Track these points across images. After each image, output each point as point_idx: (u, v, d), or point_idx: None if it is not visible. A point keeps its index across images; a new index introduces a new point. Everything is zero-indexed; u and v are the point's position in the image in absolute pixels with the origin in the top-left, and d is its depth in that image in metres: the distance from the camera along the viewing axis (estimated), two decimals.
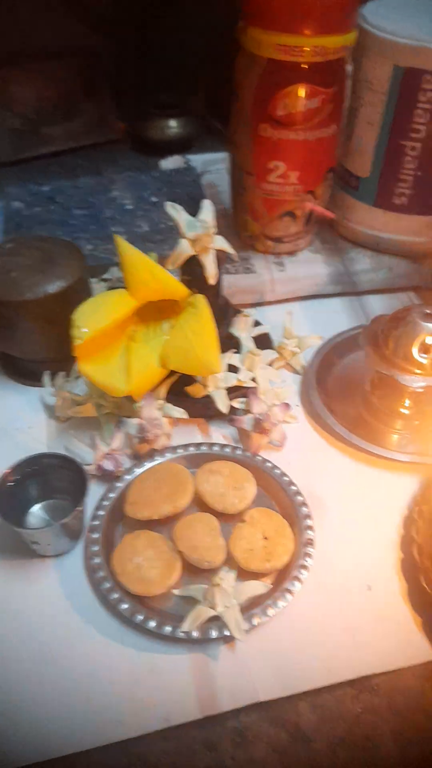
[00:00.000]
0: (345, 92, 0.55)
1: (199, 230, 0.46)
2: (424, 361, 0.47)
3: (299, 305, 0.64)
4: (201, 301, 0.47)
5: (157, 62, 0.89)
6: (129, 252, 0.46)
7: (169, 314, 0.50)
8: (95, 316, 0.46)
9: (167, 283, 0.47)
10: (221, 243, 0.48)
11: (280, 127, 0.54)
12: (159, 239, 0.67)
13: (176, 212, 0.46)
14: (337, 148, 0.59)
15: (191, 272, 0.48)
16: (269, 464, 0.48)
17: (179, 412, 0.49)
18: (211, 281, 0.47)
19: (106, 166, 0.84)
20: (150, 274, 0.46)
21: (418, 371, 0.47)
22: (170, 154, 0.85)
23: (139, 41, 0.88)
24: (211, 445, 0.50)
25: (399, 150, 0.57)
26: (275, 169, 0.57)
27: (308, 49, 0.50)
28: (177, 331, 0.48)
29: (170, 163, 0.81)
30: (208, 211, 0.47)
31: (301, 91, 0.52)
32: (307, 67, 0.51)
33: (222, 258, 0.49)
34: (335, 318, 0.63)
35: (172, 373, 0.50)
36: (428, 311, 0.47)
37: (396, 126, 0.56)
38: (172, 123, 0.88)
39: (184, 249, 0.46)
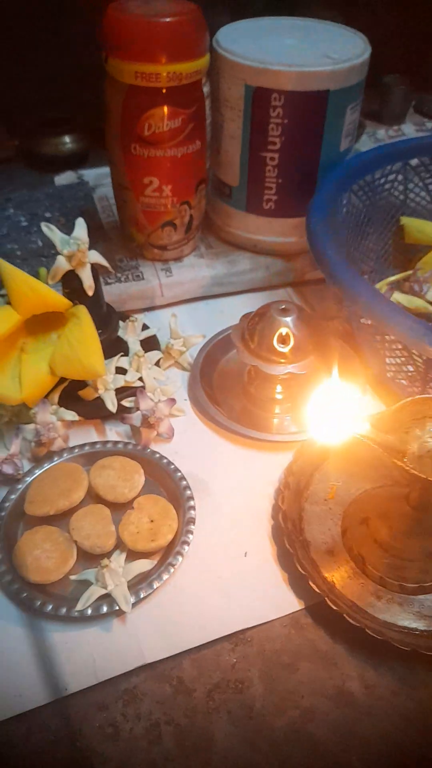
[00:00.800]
0: (204, 111, 0.60)
1: (73, 247, 0.50)
2: (285, 351, 0.52)
3: (187, 307, 0.70)
4: (82, 311, 0.52)
5: (45, 78, 0.92)
6: (9, 270, 0.50)
7: (57, 325, 0.55)
8: None
9: (47, 296, 0.51)
10: (95, 257, 0.52)
11: (148, 146, 0.59)
12: (53, 253, 0.70)
13: (51, 231, 0.50)
14: (206, 161, 0.65)
15: (71, 285, 0.52)
16: (158, 455, 0.53)
17: (71, 415, 0.53)
18: (89, 292, 0.52)
19: (2, 184, 0.87)
20: (30, 289, 0.50)
21: (281, 360, 0.53)
22: (65, 169, 0.88)
23: (21, 58, 0.90)
24: (105, 443, 0.54)
25: (260, 161, 0.63)
26: (150, 183, 0.62)
27: (165, 74, 0.55)
28: (62, 340, 0.53)
29: (64, 179, 0.84)
30: (81, 228, 0.51)
31: (163, 113, 0.57)
32: (165, 90, 0.56)
33: (100, 270, 0.54)
34: (220, 317, 0.68)
35: (63, 379, 0.54)
36: (283, 306, 0.53)
37: (254, 139, 0.62)
38: (66, 139, 0.91)
39: (61, 264, 0.51)
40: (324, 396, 0.40)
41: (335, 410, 0.39)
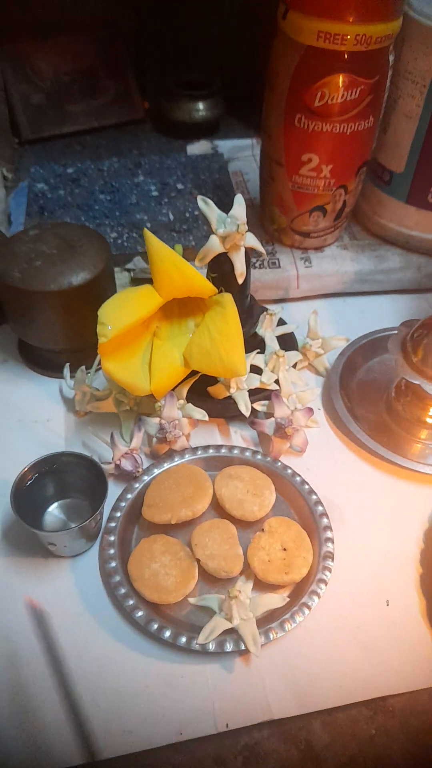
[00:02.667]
0: (385, 83, 0.53)
1: (231, 227, 0.44)
2: None
3: (324, 303, 0.63)
4: (228, 300, 0.46)
5: (183, 39, 0.86)
6: (157, 247, 0.44)
7: (195, 311, 0.49)
8: (121, 313, 0.44)
9: (194, 280, 0.45)
10: (252, 241, 0.46)
11: (315, 117, 0.52)
12: (184, 229, 0.65)
13: (207, 207, 0.45)
14: (374, 141, 0.57)
15: (219, 269, 0.46)
16: (289, 471, 0.47)
17: (200, 414, 0.48)
18: (240, 280, 0.46)
19: (129, 147, 0.82)
20: (177, 271, 0.45)
21: None
22: (195, 137, 0.83)
23: (163, 16, 0.85)
24: (231, 448, 0.49)
25: None
26: (308, 161, 0.55)
27: (351, 37, 0.48)
28: (202, 330, 0.47)
29: (197, 148, 0.79)
30: (240, 207, 0.45)
31: (341, 82, 0.50)
32: (348, 56, 0.49)
33: (249, 255, 0.48)
34: (360, 318, 0.61)
35: (194, 372, 0.49)
36: None
37: None
38: (199, 105, 0.85)
39: (214, 246, 0.45)
40: None
41: None
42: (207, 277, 0.47)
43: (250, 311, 0.50)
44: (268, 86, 0.55)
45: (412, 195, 0.59)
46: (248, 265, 0.46)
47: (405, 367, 0.47)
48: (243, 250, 0.45)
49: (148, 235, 0.44)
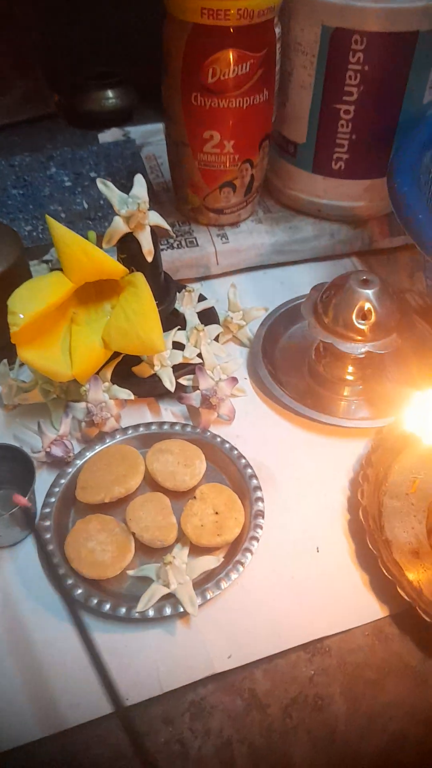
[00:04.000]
0: (275, 56, 0.54)
1: (132, 207, 0.45)
2: (363, 327, 0.47)
3: (245, 276, 0.64)
4: (140, 279, 0.47)
5: (89, 30, 0.86)
6: (61, 232, 0.45)
7: (110, 294, 0.50)
8: (31, 301, 0.45)
9: (103, 262, 0.46)
10: (156, 219, 0.47)
11: (211, 95, 0.53)
12: (99, 216, 0.66)
13: (108, 189, 0.45)
14: (273, 114, 0.58)
15: (128, 250, 0.47)
16: (219, 439, 0.48)
17: (126, 394, 0.49)
18: (149, 258, 0.47)
19: (42, 142, 0.81)
20: (84, 254, 0.45)
21: (358, 337, 0.47)
22: (109, 127, 0.83)
23: (66, 10, 0.84)
24: (161, 424, 0.49)
25: (333, 114, 0.57)
26: (210, 138, 0.56)
27: (233, 11, 0.49)
28: (117, 311, 0.48)
29: (108, 136, 0.79)
30: (140, 186, 0.46)
31: (230, 57, 0.51)
32: (234, 30, 0.50)
33: (160, 233, 0.48)
34: (281, 288, 0.63)
35: (116, 354, 0.49)
36: (364, 277, 0.47)
37: (328, 89, 0.55)
38: (110, 94, 0.85)
39: (119, 226, 0.45)
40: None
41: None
42: (117, 259, 0.48)
43: (166, 289, 0.51)
44: (163, 68, 0.55)
45: (317, 164, 0.61)
46: (156, 242, 0.47)
47: (318, 328, 0.49)
48: (148, 228, 0.46)
49: (51, 221, 0.44)
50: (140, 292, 0.46)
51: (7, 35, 0.83)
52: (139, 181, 0.46)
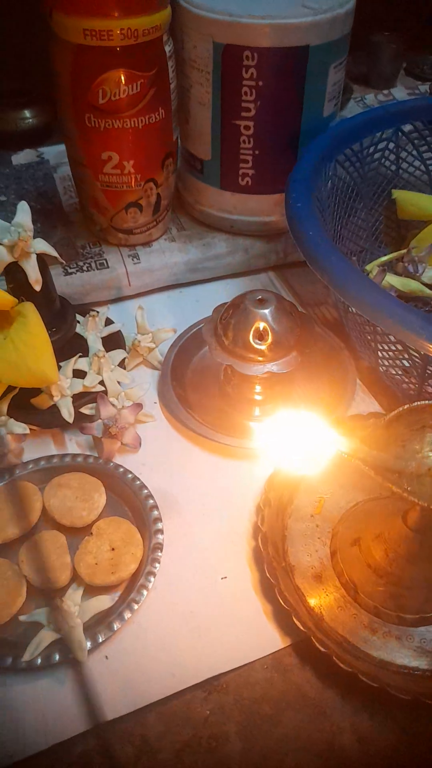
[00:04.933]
0: (167, 73, 0.53)
1: (14, 236, 0.43)
2: (262, 348, 0.46)
3: (160, 297, 0.63)
4: (29, 308, 0.45)
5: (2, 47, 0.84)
6: None
7: (2, 325, 0.48)
8: None
9: None
10: (42, 246, 0.45)
11: (104, 115, 0.52)
12: None
13: None
14: (173, 132, 0.57)
15: (14, 279, 0.45)
16: (122, 469, 0.47)
17: (21, 428, 0.47)
18: (36, 287, 0.45)
19: None
20: None
21: (258, 358, 0.46)
22: (24, 147, 0.81)
23: None
24: (63, 456, 0.48)
25: (234, 130, 0.56)
26: (109, 159, 0.55)
27: (117, 32, 0.48)
28: (8, 343, 0.46)
29: (21, 158, 0.77)
30: (23, 213, 0.45)
31: (119, 77, 0.50)
32: (119, 50, 0.49)
33: (49, 260, 0.47)
34: (197, 306, 0.62)
35: (12, 386, 0.47)
36: (260, 297, 0.46)
37: (226, 106, 0.55)
38: (25, 113, 0.83)
39: (2, 256, 0.44)
40: (291, 419, 0.33)
41: (307, 435, 0.33)
42: (6, 289, 0.46)
43: (62, 315, 0.50)
44: (55, 88, 0.54)
45: (224, 180, 0.60)
46: (45, 269, 0.46)
47: (218, 350, 0.48)
48: (34, 256, 0.45)
49: None
50: (29, 321, 0.45)
51: None
52: (22, 208, 0.45)
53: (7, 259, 0.44)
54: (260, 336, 0.46)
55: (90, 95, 0.51)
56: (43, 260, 0.46)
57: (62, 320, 0.50)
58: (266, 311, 0.46)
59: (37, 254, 0.45)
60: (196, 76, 0.55)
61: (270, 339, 0.46)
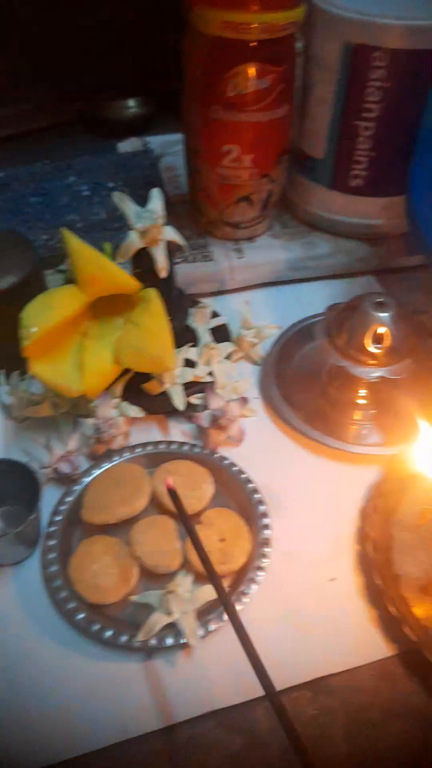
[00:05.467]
0: (295, 70, 0.53)
1: (148, 221, 0.44)
2: (377, 352, 0.46)
3: (259, 293, 0.63)
4: (153, 295, 0.46)
5: (110, 38, 0.86)
6: (76, 246, 0.44)
7: (123, 309, 0.49)
8: (44, 315, 0.44)
9: (117, 277, 0.45)
10: (171, 234, 0.46)
11: (231, 108, 0.52)
12: (116, 227, 0.65)
13: (123, 202, 0.44)
14: (291, 129, 0.57)
15: (142, 265, 0.46)
16: (227, 461, 0.47)
17: (135, 411, 0.48)
18: (162, 274, 0.46)
19: (61, 149, 0.81)
20: (99, 269, 0.44)
21: (371, 362, 0.46)
22: (127, 135, 0.82)
23: (89, 14, 0.84)
24: (170, 443, 0.49)
25: (352, 130, 0.56)
26: (228, 152, 0.55)
27: (256, 25, 0.48)
28: (129, 327, 0.47)
29: (128, 145, 0.78)
30: (157, 200, 0.45)
31: (251, 71, 0.50)
32: (255, 44, 0.49)
33: (174, 248, 0.48)
34: (296, 305, 0.62)
35: (127, 370, 0.48)
36: (379, 300, 0.46)
37: (348, 105, 0.54)
38: (130, 102, 0.84)
39: (133, 241, 0.45)
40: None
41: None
42: (132, 274, 0.47)
43: (178, 305, 0.51)
44: (183, 81, 0.55)
45: (334, 180, 0.60)
46: (171, 258, 0.46)
47: (330, 350, 0.47)
48: (163, 243, 0.45)
49: (66, 234, 0.44)
50: (153, 308, 0.46)
51: (27, 41, 0.83)
52: (155, 195, 0.45)
53: (138, 244, 0.44)
54: (377, 340, 0.46)
55: (220, 88, 0.51)
56: (169, 248, 0.46)
57: (178, 309, 0.50)
58: (386, 315, 0.46)
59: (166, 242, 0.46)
60: (321, 75, 0.55)
61: (387, 344, 0.46)
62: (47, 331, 0.44)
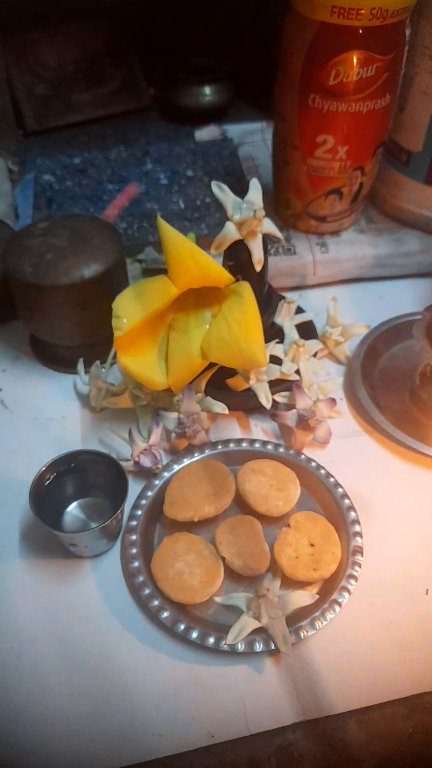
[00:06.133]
0: (401, 60, 0.51)
1: (247, 213, 0.42)
2: None
3: (342, 289, 0.61)
4: (246, 288, 0.44)
5: (188, 23, 0.84)
6: (171, 236, 0.43)
7: (211, 302, 0.48)
8: (135, 306, 0.43)
9: (210, 269, 0.44)
10: (269, 227, 0.44)
11: (330, 97, 0.50)
12: (196, 217, 0.64)
13: (222, 193, 0.43)
14: (390, 121, 0.55)
15: (236, 257, 0.45)
16: (314, 463, 0.46)
17: (220, 407, 0.47)
18: (258, 267, 0.44)
19: (137, 135, 0.80)
20: (193, 260, 0.43)
21: None
22: (203, 123, 0.81)
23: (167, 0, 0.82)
24: (252, 441, 0.47)
25: None
26: (323, 143, 0.53)
27: (366, 11, 0.46)
28: (219, 320, 0.46)
29: (206, 134, 0.77)
30: (256, 191, 0.44)
31: (356, 59, 0.48)
32: (363, 31, 0.47)
33: (267, 242, 0.46)
34: (380, 303, 0.60)
35: (212, 364, 0.47)
36: None
37: None
38: (206, 90, 0.83)
39: (230, 233, 0.43)
40: None
41: None
42: (223, 266, 0.45)
43: (268, 300, 0.49)
44: (280, 67, 0.53)
45: (431, 175, 0.57)
46: (266, 251, 0.45)
47: (430, 352, 0.45)
48: (260, 236, 0.44)
49: (162, 223, 0.43)
50: (245, 302, 0.44)
51: (105, 25, 0.82)
52: (255, 185, 0.44)
53: (235, 236, 0.43)
54: None
55: (322, 75, 0.49)
56: (265, 241, 0.45)
57: (268, 304, 0.49)
58: None
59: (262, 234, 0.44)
60: (427, 64, 0.52)
61: None
62: (138, 323, 0.43)
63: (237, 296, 0.45)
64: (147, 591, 0.39)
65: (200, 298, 0.48)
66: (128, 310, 0.42)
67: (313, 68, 0.49)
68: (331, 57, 0.48)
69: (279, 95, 0.54)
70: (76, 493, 0.44)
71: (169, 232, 0.43)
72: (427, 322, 0.47)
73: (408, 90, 0.55)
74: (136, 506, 0.43)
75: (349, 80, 0.49)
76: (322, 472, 0.45)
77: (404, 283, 0.61)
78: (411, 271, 0.61)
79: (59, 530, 0.41)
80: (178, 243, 0.43)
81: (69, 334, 0.51)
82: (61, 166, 0.71)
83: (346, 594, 0.38)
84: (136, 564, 0.40)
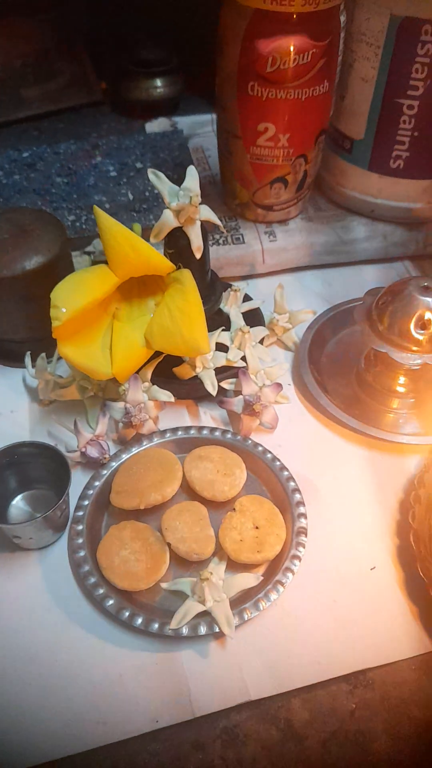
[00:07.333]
0: (339, 46, 0.51)
1: (184, 200, 0.43)
2: (421, 338, 0.44)
3: (291, 277, 0.62)
4: (187, 276, 0.45)
5: (137, 16, 0.84)
6: (109, 225, 0.43)
7: (155, 290, 0.48)
8: (74, 295, 0.43)
9: (150, 257, 0.44)
10: (207, 213, 0.44)
11: (268, 84, 0.50)
12: (144, 208, 0.64)
13: (159, 180, 0.43)
14: (330, 108, 0.55)
15: (176, 245, 0.45)
16: (260, 448, 0.46)
17: (166, 395, 0.47)
18: (197, 255, 0.44)
19: (87, 129, 0.80)
20: (132, 249, 0.43)
21: (414, 348, 0.45)
22: (155, 116, 0.81)
23: None
24: (200, 428, 0.47)
25: (395, 109, 0.54)
26: (264, 131, 0.53)
27: None
28: (162, 308, 0.46)
29: (156, 126, 0.76)
30: (193, 178, 0.44)
31: (292, 45, 0.48)
32: (297, 17, 0.47)
33: (208, 229, 0.46)
34: (329, 290, 0.60)
35: (158, 353, 0.47)
36: (426, 284, 0.44)
37: (392, 82, 0.52)
38: (158, 82, 0.83)
39: (168, 220, 0.43)
40: None
41: None
42: (164, 254, 0.45)
43: (212, 287, 0.49)
44: (218, 56, 0.53)
45: (374, 161, 0.58)
46: (205, 238, 0.45)
47: (372, 335, 0.46)
48: (198, 223, 0.44)
49: (99, 212, 0.42)
50: (187, 289, 0.44)
51: (52, 20, 0.82)
52: (191, 173, 0.44)
53: (173, 223, 0.43)
54: (422, 325, 0.44)
55: (258, 63, 0.49)
56: (204, 228, 0.45)
57: (211, 292, 0.49)
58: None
59: (201, 221, 0.44)
60: (363, 51, 0.53)
61: None
62: (77, 312, 0.43)
63: (178, 284, 0.45)
64: (92, 580, 0.39)
65: (144, 288, 0.48)
66: (67, 299, 0.42)
67: (249, 56, 0.49)
68: (267, 44, 0.48)
69: (219, 85, 0.54)
70: (21, 485, 0.44)
71: (106, 220, 0.42)
72: (367, 306, 0.47)
73: (348, 77, 0.56)
74: (83, 497, 0.43)
75: (286, 67, 0.49)
76: (269, 456, 0.45)
77: (352, 270, 0.62)
78: (358, 257, 0.62)
79: (3, 522, 0.41)
80: (116, 232, 0.43)
81: (15, 328, 0.51)
82: (9, 160, 0.70)
83: (290, 575, 0.39)
84: (82, 553, 0.40)
